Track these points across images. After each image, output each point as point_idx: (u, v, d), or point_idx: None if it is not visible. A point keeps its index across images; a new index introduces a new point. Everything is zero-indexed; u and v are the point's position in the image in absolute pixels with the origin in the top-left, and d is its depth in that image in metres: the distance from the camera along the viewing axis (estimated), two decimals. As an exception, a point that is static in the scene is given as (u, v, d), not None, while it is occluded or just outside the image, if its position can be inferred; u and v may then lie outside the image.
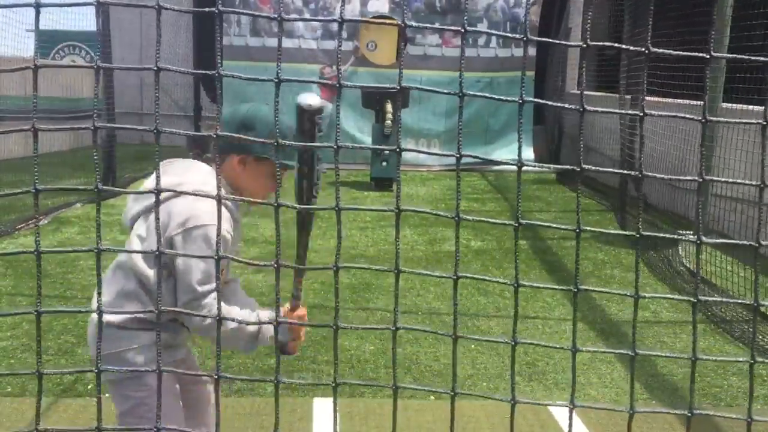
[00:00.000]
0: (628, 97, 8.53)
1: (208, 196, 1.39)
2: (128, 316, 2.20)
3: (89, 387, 3.87)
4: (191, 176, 2.29)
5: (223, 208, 2.22)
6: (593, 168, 1.33)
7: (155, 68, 1.12)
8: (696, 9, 7.33)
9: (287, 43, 12.74)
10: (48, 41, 16.55)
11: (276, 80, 1.22)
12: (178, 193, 2.18)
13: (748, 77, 6.46)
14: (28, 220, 7.59)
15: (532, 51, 13.34)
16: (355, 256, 6.71)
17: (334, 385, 1.18)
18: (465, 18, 1.21)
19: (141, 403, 2.27)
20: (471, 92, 1.27)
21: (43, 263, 5.71)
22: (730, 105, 6.77)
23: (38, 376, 0.97)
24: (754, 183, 1.13)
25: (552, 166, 2.03)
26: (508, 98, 1.40)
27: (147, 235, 2.28)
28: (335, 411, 1.34)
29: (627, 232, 1.29)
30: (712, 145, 6.61)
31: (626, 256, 6.87)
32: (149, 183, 2.32)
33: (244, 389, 3.90)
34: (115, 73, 9.88)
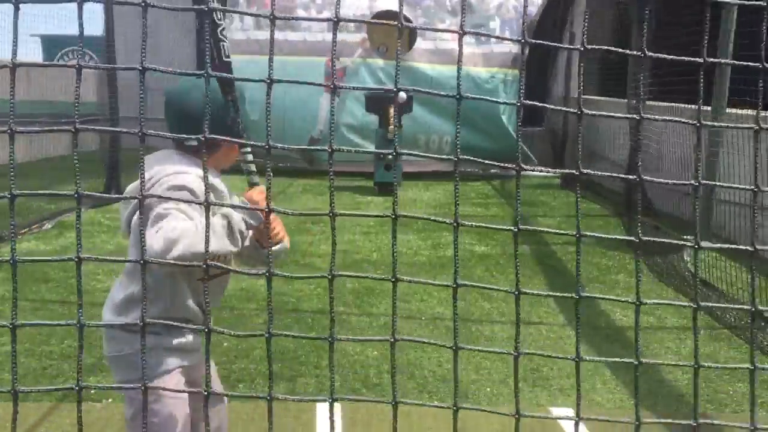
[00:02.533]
0: (635, 101, 8.51)
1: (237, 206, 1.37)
2: (135, 318, 2.20)
3: (92, 392, 3.87)
4: (168, 167, 2.25)
5: (198, 184, 2.19)
6: (595, 173, 1.32)
7: (140, 68, 1.11)
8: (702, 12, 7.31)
9: (292, 36, 12.64)
10: (52, 46, 16.62)
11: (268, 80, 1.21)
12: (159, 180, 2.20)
13: (755, 80, 6.43)
14: (31, 225, 7.60)
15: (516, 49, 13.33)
16: (359, 261, 6.70)
17: (330, 401, 1.17)
18: (463, 20, 1.19)
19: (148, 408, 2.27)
20: (470, 95, 1.22)
21: (46, 268, 5.73)
22: (735, 110, 6.75)
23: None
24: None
25: (553, 170, 2.00)
26: (507, 101, 1.38)
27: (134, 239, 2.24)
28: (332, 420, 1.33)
29: (628, 237, 1.21)
30: (717, 150, 6.59)
31: (631, 262, 6.85)
32: (133, 186, 2.32)
33: (245, 395, 3.88)
34: (120, 78, 9.89)
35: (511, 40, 1.45)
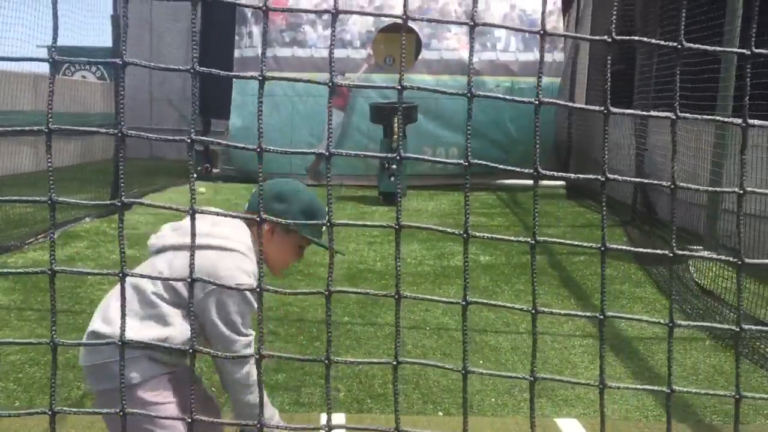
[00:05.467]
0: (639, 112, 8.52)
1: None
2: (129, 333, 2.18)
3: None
4: (220, 229, 2.28)
5: (251, 269, 2.25)
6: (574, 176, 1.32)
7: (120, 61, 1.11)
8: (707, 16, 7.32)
9: (299, 52, 12.72)
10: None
11: (260, 77, 1.18)
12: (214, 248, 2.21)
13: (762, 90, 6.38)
14: (38, 235, 7.62)
15: (560, 57, 13.27)
16: (363, 271, 6.70)
17: (327, 430, 1.16)
18: (475, 11, 1.18)
19: (135, 421, 2.11)
20: (481, 94, 1.14)
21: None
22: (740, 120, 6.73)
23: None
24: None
25: (574, 175, 1.94)
26: (524, 99, 1.23)
27: (169, 274, 2.23)
28: None
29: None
30: (721, 162, 6.59)
31: (635, 272, 6.83)
32: (185, 224, 2.30)
33: (232, 422, 3.88)
34: (125, 88, 9.94)
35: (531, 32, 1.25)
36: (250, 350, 2.23)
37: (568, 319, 5.35)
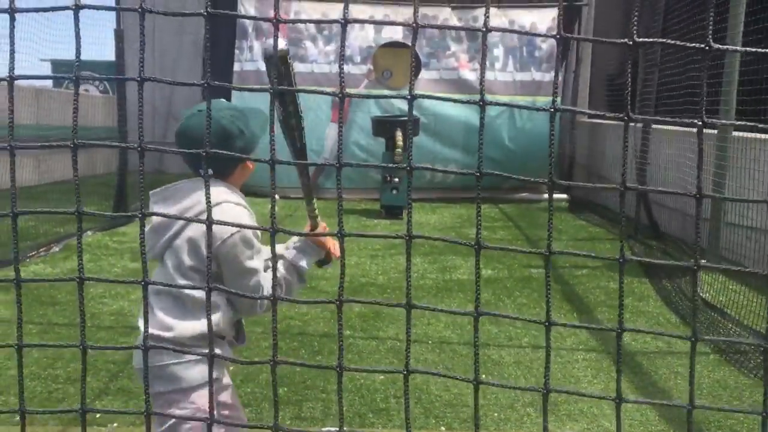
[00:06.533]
0: (640, 125, 8.53)
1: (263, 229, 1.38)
2: (182, 332, 2.21)
3: (97, 416, 3.85)
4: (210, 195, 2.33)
5: (246, 211, 2.34)
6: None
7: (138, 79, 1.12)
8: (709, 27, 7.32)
9: (300, 67, 12.77)
10: (62, 71, 16.80)
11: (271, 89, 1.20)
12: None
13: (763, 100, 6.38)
14: (39, 248, 7.62)
15: (560, 75, 13.25)
16: (365, 285, 6.68)
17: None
18: (487, 16, 1.19)
19: (181, 423, 2.22)
20: (492, 104, 1.19)
21: (53, 291, 5.72)
22: (742, 134, 6.74)
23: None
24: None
25: (592, 185, 1.92)
26: (540, 107, 1.31)
27: (195, 254, 2.28)
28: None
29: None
30: (723, 173, 6.58)
31: (638, 285, 6.82)
32: (171, 210, 2.33)
33: (251, 418, 3.87)
34: (129, 102, 9.98)
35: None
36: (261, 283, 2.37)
37: (570, 333, 5.33)
